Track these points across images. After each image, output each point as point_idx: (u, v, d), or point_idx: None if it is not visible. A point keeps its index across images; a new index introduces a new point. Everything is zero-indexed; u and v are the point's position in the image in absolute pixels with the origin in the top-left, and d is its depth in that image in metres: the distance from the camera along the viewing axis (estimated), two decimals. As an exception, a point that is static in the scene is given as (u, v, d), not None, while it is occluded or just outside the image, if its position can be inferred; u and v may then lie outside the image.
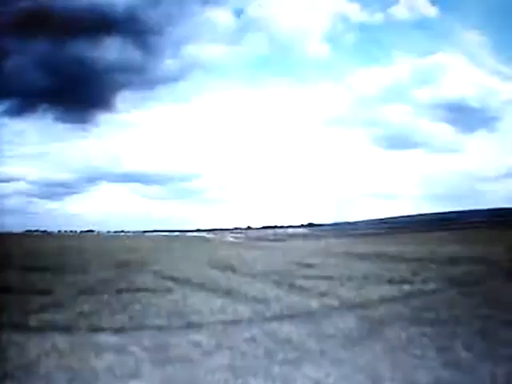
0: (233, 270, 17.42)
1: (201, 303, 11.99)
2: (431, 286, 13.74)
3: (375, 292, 12.97)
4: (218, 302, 12.13)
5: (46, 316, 10.60)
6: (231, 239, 39.42)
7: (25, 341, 8.73)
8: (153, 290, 13.53)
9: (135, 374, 7.06)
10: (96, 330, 9.48)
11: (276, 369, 7.26)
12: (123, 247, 25.94)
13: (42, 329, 9.56)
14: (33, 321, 10.15)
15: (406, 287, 13.49)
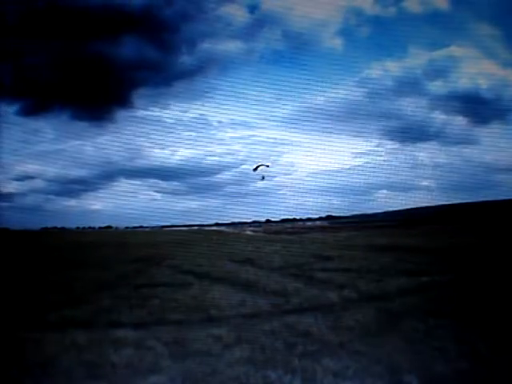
0: (252, 263, 17.39)
1: (220, 297, 11.96)
2: (448, 277, 13.61)
3: (393, 284, 12.87)
4: (237, 295, 12.09)
5: (65, 312, 10.60)
6: (250, 233, 39.30)
7: (44, 337, 8.74)
8: (172, 285, 13.50)
9: (155, 369, 7.04)
10: (115, 325, 9.48)
11: (296, 361, 7.21)
12: (142, 242, 25.96)
13: (61, 325, 9.56)
14: (52, 317, 10.16)
15: (424, 279, 13.37)
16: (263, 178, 21.06)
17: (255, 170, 20.85)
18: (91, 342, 8.39)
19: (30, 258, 19.37)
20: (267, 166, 20.50)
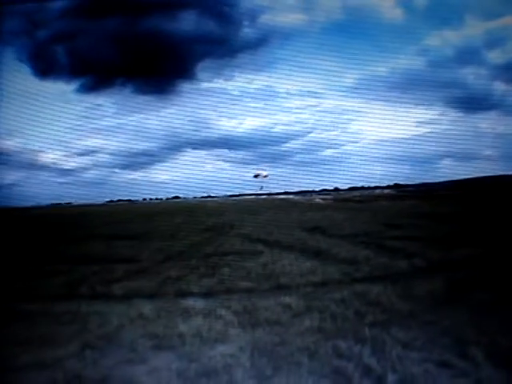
0: (322, 231, 17.30)
1: (290, 265, 11.89)
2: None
3: (460, 253, 12.54)
4: (307, 263, 12.02)
5: (131, 283, 10.71)
6: (319, 201, 39.12)
7: (109, 309, 8.81)
8: (241, 253, 13.52)
9: (224, 338, 7.02)
10: (184, 295, 9.51)
11: (366, 331, 7.07)
12: (210, 212, 26.14)
13: (127, 296, 9.63)
14: (117, 288, 10.26)
15: (488, 249, 12.97)
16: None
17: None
18: (158, 312, 8.43)
19: (97, 230, 19.71)
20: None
